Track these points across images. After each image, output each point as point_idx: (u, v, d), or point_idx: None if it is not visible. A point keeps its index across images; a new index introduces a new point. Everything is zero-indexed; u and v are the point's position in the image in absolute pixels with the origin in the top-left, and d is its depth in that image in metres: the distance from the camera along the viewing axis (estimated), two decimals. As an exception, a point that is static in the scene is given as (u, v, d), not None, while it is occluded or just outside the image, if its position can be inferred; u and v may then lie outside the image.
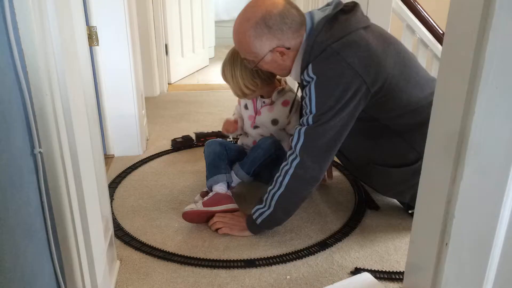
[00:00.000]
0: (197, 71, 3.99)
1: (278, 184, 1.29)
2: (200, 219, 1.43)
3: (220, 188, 1.51)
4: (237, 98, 1.69)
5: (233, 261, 1.28)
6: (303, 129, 1.23)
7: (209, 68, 4.14)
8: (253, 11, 1.24)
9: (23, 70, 0.69)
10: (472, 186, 0.79)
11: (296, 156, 1.25)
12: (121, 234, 1.41)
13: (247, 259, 1.29)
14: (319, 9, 1.35)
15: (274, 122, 1.62)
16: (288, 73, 1.35)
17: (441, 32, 1.81)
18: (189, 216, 1.42)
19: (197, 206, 1.43)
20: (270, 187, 1.32)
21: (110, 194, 1.56)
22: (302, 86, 1.30)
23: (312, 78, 1.21)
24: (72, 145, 0.82)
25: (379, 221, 1.47)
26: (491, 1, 0.68)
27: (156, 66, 3.10)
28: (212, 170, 1.56)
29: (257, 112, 1.64)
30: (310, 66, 1.22)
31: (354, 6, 1.28)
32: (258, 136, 1.66)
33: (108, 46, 1.86)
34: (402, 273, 1.15)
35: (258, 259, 1.28)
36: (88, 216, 0.90)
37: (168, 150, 2.12)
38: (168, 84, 3.44)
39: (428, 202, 0.93)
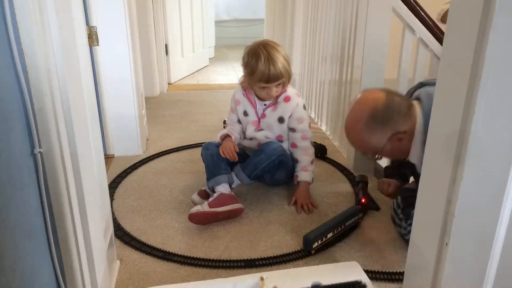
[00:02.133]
0: (197, 71, 3.99)
1: None
2: (207, 220, 1.43)
3: (223, 188, 1.51)
4: (230, 105, 1.71)
5: (233, 261, 1.28)
6: None
7: (209, 68, 4.14)
8: (360, 111, 1.28)
9: (23, 70, 0.69)
10: (472, 186, 0.79)
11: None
12: (121, 234, 1.41)
13: (247, 259, 1.29)
14: (427, 82, 1.36)
15: (281, 120, 1.62)
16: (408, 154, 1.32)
17: (441, 32, 1.82)
18: (195, 218, 1.41)
19: (203, 207, 1.42)
20: None
21: (110, 194, 1.56)
22: None
23: None
24: (72, 145, 0.82)
25: (379, 221, 1.47)
26: (491, 1, 0.68)
27: (156, 66, 3.10)
28: (213, 170, 1.56)
29: (261, 115, 1.63)
30: None
31: None
32: (263, 138, 1.65)
33: (108, 46, 1.86)
34: (402, 273, 1.15)
35: (258, 259, 1.28)
36: (88, 216, 0.90)
37: (168, 150, 2.12)
38: (168, 84, 3.44)
39: (428, 202, 0.93)
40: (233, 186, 1.58)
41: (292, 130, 1.64)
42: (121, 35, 1.87)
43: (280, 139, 1.65)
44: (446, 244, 0.85)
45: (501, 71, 0.71)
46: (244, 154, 1.69)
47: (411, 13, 1.78)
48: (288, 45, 3.03)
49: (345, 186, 1.76)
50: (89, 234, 0.90)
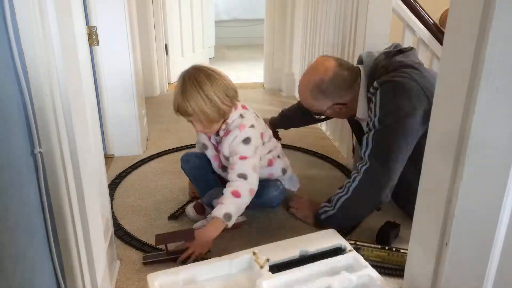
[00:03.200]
0: (197, 71, 3.98)
1: (345, 189, 1.36)
2: None
3: None
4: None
5: (233, 261, 1.27)
6: (370, 134, 1.32)
7: (209, 68, 4.14)
8: (308, 78, 1.46)
9: (23, 70, 0.69)
10: (472, 186, 0.79)
11: (366, 162, 1.32)
12: (121, 234, 1.41)
13: (247, 259, 1.29)
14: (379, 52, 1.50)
15: (226, 157, 1.42)
16: (353, 114, 1.49)
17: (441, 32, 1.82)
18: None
19: (208, 221, 1.34)
20: (339, 191, 1.38)
21: (110, 194, 1.56)
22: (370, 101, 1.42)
23: (377, 88, 1.34)
24: (72, 145, 0.82)
25: (379, 221, 1.47)
26: (491, 1, 0.68)
27: (156, 66, 3.10)
28: (202, 186, 1.48)
29: (219, 150, 1.44)
30: (374, 83, 1.36)
31: (411, 49, 1.45)
32: (234, 182, 1.37)
33: (108, 46, 1.86)
34: (403, 269, 1.15)
35: (258, 259, 1.28)
36: (88, 216, 0.90)
37: (168, 150, 2.12)
38: (168, 84, 3.43)
39: (428, 202, 0.93)
40: None
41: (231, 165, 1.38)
42: (121, 35, 1.86)
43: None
44: (446, 244, 0.85)
45: (501, 71, 0.71)
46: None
47: (411, 13, 1.78)
48: (288, 45, 3.03)
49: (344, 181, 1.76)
50: (89, 234, 0.90)
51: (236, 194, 1.30)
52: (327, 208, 1.40)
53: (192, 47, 3.82)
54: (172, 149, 2.13)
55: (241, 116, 1.39)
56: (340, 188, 1.39)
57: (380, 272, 1.21)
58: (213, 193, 1.46)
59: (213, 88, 1.29)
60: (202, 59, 4.09)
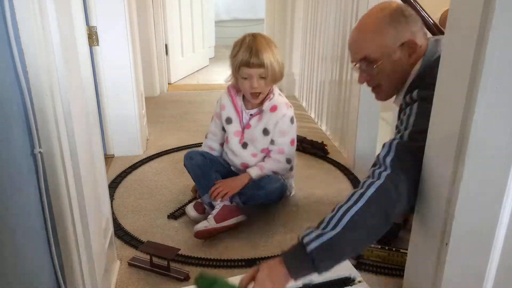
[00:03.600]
0: (197, 71, 3.99)
1: (354, 198, 0.95)
2: (212, 235, 1.37)
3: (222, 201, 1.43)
4: (211, 115, 1.56)
5: (234, 260, 1.28)
6: (395, 142, 1.02)
7: (209, 68, 4.14)
8: (385, 5, 1.14)
9: (23, 70, 0.69)
10: (472, 186, 0.79)
11: (387, 167, 0.97)
12: (121, 234, 1.41)
13: (248, 258, 1.29)
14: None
15: (265, 131, 1.48)
16: (401, 86, 1.16)
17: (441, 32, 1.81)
18: (201, 235, 1.35)
19: (210, 223, 1.36)
20: (338, 205, 0.96)
21: (110, 194, 1.56)
22: (400, 109, 1.16)
23: (416, 101, 1.06)
24: (72, 145, 0.82)
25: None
26: (491, 1, 0.68)
27: (156, 66, 3.10)
28: (204, 184, 1.47)
29: (245, 125, 1.50)
30: (416, 92, 1.07)
31: None
32: (249, 158, 1.51)
33: (108, 46, 1.86)
34: (402, 269, 1.15)
35: (258, 259, 1.28)
36: (88, 216, 0.90)
37: (168, 150, 2.12)
38: (168, 84, 3.44)
39: (428, 202, 0.93)
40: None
41: (271, 142, 1.49)
42: (121, 35, 1.86)
43: (265, 152, 1.51)
44: (446, 244, 0.85)
45: (501, 71, 0.71)
46: (227, 167, 1.56)
47: (411, 13, 1.78)
48: (288, 45, 3.03)
49: (345, 186, 1.76)
50: (89, 234, 0.90)
51: (276, 173, 1.49)
52: (318, 232, 0.94)
53: (192, 47, 3.82)
54: (172, 149, 2.13)
55: (280, 95, 1.51)
56: (339, 204, 0.97)
57: (380, 272, 1.22)
58: None
59: (276, 51, 1.43)
60: (202, 59, 4.10)
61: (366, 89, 1.76)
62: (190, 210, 1.49)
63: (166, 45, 3.27)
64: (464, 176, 0.79)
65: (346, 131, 2.01)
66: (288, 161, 1.51)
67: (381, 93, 1.22)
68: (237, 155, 1.52)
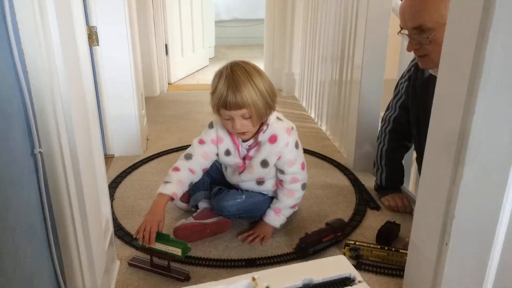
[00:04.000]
0: (197, 71, 3.99)
1: (381, 142, 1.56)
2: (193, 235, 1.35)
3: (205, 203, 1.45)
4: (211, 115, 1.41)
5: (234, 260, 1.28)
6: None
7: (209, 68, 4.14)
8: None
9: (23, 70, 0.69)
10: (472, 186, 0.79)
11: (395, 111, 1.48)
12: (121, 234, 1.41)
13: (248, 258, 1.29)
14: None
15: (264, 163, 1.34)
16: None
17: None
18: (179, 231, 1.34)
19: (188, 220, 1.38)
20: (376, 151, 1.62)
21: (110, 194, 1.56)
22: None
23: None
24: (72, 145, 0.82)
25: (380, 221, 1.47)
26: (491, 1, 0.68)
27: (156, 66, 3.10)
28: (191, 188, 1.42)
29: (245, 157, 1.38)
30: None
31: None
32: (240, 182, 1.42)
33: (108, 46, 1.86)
34: (403, 269, 1.15)
35: (258, 259, 1.28)
36: (88, 216, 0.90)
37: (168, 150, 2.12)
38: (168, 84, 3.44)
39: (428, 202, 0.93)
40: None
41: (281, 172, 1.37)
42: (121, 35, 1.86)
43: (261, 180, 1.41)
44: (446, 244, 0.85)
45: (501, 71, 0.71)
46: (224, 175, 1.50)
47: (411, 13, 1.78)
48: (288, 45, 3.03)
49: (345, 186, 1.76)
50: (89, 234, 0.90)
51: (293, 208, 1.43)
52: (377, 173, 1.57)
53: (192, 47, 3.82)
54: (172, 149, 2.13)
55: (279, 119, 1.35)
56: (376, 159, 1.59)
57: (380, 272, 1.22)
58: (199, 197, 1.47)
59: (262, 81, 1.25)
60: (202, 59, 4.10)
61: (366, 89, 1.77)
62: (178, 202, 1.50)
63: (166, 45, 3.28)
64: (464, 176, 0.79)
65: (346, 131, 2.02)
66: (304, 186, 1.40)
67: (429, 62, 1.21)
68: (231, 177, 1.45)
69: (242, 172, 1.40)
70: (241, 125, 1.26)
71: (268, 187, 1.42)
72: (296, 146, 1.36)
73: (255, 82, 1.23)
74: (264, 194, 1.43)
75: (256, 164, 1.35)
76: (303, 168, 1.38)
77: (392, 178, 1.61)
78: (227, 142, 1.38)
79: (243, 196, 1.39)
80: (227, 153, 1.39)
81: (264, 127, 1.32)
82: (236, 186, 1.46)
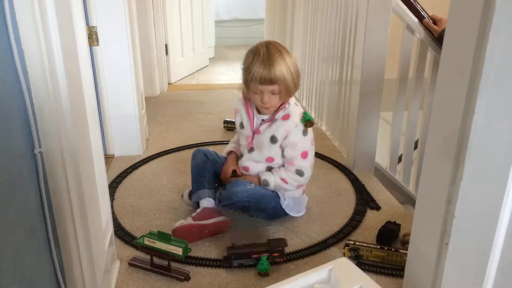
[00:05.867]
0: (197, 71, 3.99)
1: None
2: (192, 235, 1.35)
3: (207, 202, 1.45)
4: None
5: (233, 261, 1.28)
6: None
7: (209, 68, 4.14)
8: None
9: (23, 70, 0.69)
10: (472, 186, 0.79)
11: None
12: (121, 234, 1.41)
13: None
14: None
15: (273, 139, 1.39)
16: None
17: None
18: (177, 231, 1.35)
19: (187, 221, 1.39)
20: None
21: (110, 194, 1.56)
22: None
23: None
24: (72, 145, 0.82)
25: (380, 221, 1.47)
26: (491, 1, 0.68)
27: (156, 66, 3.10)
28: (195, 185, 1.50)
29: (255, 131, 1.44)
30: None
31: None
32: (250, 162, 1.46)
33: (108, 46, 1.86)
34: (403, 269, 1.15)
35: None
36: (88, 216, 0.90)
37: (168, 150, 2.12)
38: (168, 84, 3.43)
39: (428, 202, 0.93)
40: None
41: (282, 153, 1.42)
42: (121, 35, 1.86)
43: (270, 161, 1.44)
44: (446, 244, 0.86)
45: (501, 71, 0.71)
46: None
47: (411, 13, 1.78)
48: (288, 45, 3.03)
49: (345, 186, 1.76)
50: (89, 234, 0.90)
51: (284, 181, 1.41)
52: None
53: (192, 47, 3.82)
54: (172, 149, 2.13)
55: (296, 104, 1.42)
56: None
57: (380, 272, 1.22)
58: (201, 195, 1.47)
59: (292, 61, 1.34)
60: (202, 59, 4.10)
61: (366, 89, 1.77)
62: (186, 194, 1.59)
63: (166, 45, 3.27)
64: (464, 176, 0.79)
65: (346, 131, 2.02)
66: (299, 172, 1.39)
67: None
68: (243, 158, 1.50)
69: (251, 150, 1.45)
70: (269, 99, 1.34)
71: None
72: (304, 133, 1.39)
73: (286, 61, 1.32)
74: (272, 190, 1.44)
75: (266, 139, 1.41)
76: (303, 156, 1.40)
77: None
78: (242, 114, 1.47)
79: (253, 185, 1.41)
80: (241, 125, 1.48)
81: (286, 105, 1.39)
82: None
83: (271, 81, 1.30)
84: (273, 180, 1.41)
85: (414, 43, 1.86)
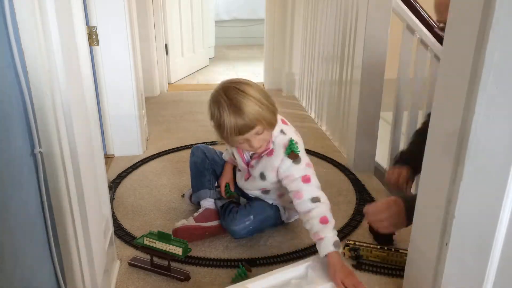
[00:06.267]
0: (197, 71, 3.99)
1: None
2: (192, 236, 1.35)
3: (208, 203, 1.45)
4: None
5: (234, 260, 1.28)
6: None
7: (209, 68, 4.14)
8: None
9: (23, 70, 0.69)
10: (472, 186, 0.79)
11: None
12: (121, 234, 1.41)
13: (248, 258, 1.29)
14: None
15: (262, 176, 1.30)
16: None
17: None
18: (178, 232, 1.35)
19: (189, 221, 1.38)
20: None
21: (110, 194, 1.56)
22: None
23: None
24: (72, 145, 0.82)
25: (379, 221, 1.47)
26: (491, 1, 0.68)
27: (156, 66, 3.09)
28: (195, 183, 1.48)
29: (248, 164, 1.36)
30: None
31: None
32: (246, 187, 1.42)
33: (108, 46, 1.86)
34: (403, 269, 1.15)
35: (258, 259, 1.28)
36: (88, 216, 0.90)
37: (168, 150, 2.12)
38: (168, 84, 3.43)
39: (428, 202, 0.93)
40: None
41: (286, 190, 1.28)
42: (121, 35, 1.86)
43: (264, 190, 1.38)
44: (446, 244, 0.86)
45: (501, 71, 0.71)
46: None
47: (411, 13, 1.78)
48: (288, 45, 3.03)
49: (345, 186, 1.76)
50: (89, 234, 0.90)
51: (325, 220, 1.16)
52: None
53: (192, 47, 3.82)
54: (172, 149, 2.13)
55: (282, 132, 1.27)
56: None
57: (380, 272, 1.22)
58: (202, 195, 1.47)
59: (255, 90, 1.18)
60: (202, 59, 4.10)
61: (366, 89, 1.77)
62: (187, 194, 1.58)
63: (166, 45, 3.27)
64: (464, 176, 0.79)
65: (346, 131, 2.01)
66: (314, 200, 1.20)
67: None
68: (240, 183, 1.46)
69: (247, 180, 1.39)
70: (258, 141, 1.20)
71: (273, 196, 1.40)
72: (296, 162, 1.24)
73: (252, 96, 1.16)
74: (270, 204, 1.40)
75: (257, 175, 1.32)
76: (306, 181, 1.23)
77: (408, 156, 1.45)
78: (232, 150, 1.38)
79: (251, 217, 1.34)
80: (235, 157, 1.41)
81: (272, 139, 1.26)
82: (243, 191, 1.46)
83: (249, 127, 1.16)
84: (330, 235, 1.14)
85: (414, 43, 1.86)
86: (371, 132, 1.85)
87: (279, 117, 1.26)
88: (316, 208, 1.18)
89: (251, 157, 1.34)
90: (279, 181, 1.28)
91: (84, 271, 0.88)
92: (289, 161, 1.23)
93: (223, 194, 1.47)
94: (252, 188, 1.40)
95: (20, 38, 0.68)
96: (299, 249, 1.33)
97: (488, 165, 0.78)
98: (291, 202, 1.26)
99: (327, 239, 1.13)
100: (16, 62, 0.67)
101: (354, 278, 1.10)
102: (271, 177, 1.28)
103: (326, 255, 1.12)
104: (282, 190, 1.35)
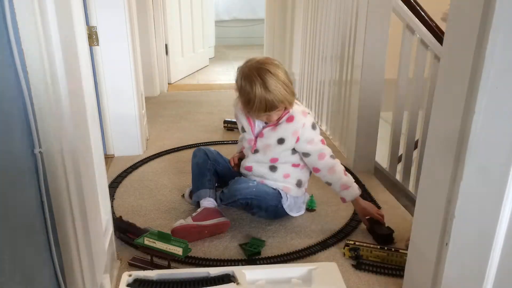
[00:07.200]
0: (197, 71, 3.99)
1: None
2: (191, 236, 1.35)
3: (207, 202, 1.45)
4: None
5: (233, 260, 1.28)
6: None
7: (209, 68, 4.14)
8: None
9: (23, 70, 0.69)
10: (472, 186, 0.79)
11: None
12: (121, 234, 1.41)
13: (248, 258, 1.29)
14: None
15: (280, 141, 1.41)
16: None
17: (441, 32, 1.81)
18: (176, 231, 1.35)
19: (187, 221, 1.39)
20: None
21: (110, 194, 1.56)
22: None
23: None
24: (72, 145, 0.82)
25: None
26: (491, 1, 0.68)
27: (156, 66, 3.10)
28: (196, 183, 1.51)
29: (258, 134, 1.45)
30: None
31: None
32: (253, 163, 1.47)
33: (108, 46, 1.86)
34: (403, 269, 1.15)
35: (258, 259, 1.28)
36: (88, 216, 0.90)
37: (168, 150, 2.12)
38: (168, 84, 3.44)
39: (428, 202, 0.93)
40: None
41: (305, 155, 1.43)
42: (121, 35, 1.86)
43: (274, 162, 1.44)
44: (446, 244, 0.86)
45: (501, 71, 0.71)
46: (232, 173, 1.55)
47: (411, 13, 1.78)
48: (288, 45, 3.03)
49: (345, 186, 1.76)
50: (89, 234, 0.90)
51: (345, 173, 1.44)
52: None
53: (192, 47, 3.82)
54: (172, 149, 2.13)
55: (296, 103, 1.43)
56: None
57: (380, 272, 1.22)
58: (202, 195, 1.47)
59: (282, 72, 1.35)
60: (202, 59, 4.10)
61: (366, 89, 1.77)
62: (187, 192, 1.61)
63: (166, 45, 3.28)
64: (464, 176, 0.79)
65: (346, 131, 2.02)
66: (333, 156, 1.44)
67: None
68: (247, 159, 1.50)
69: (255, 152, 1.45)
70: (276, 115, 1.38)
71: (280, 174, 1.45)
72: (313, 127, 1.43)
73: (280, 78, 1.32)
74: (274, 189, 1.44)
75: (273, 141, 1.42)
76: (323, 143, 1.45)
77: None
78: (242, 120, 1.48)
79: (255, 182, 1.43)
80: (243, 129, 1.49)
81: (289, 110, 1.40)
82: (247, 175, 1.50)
83: (275, 107, 1.33)
84: (353, 188, 1.43)
85: (414, 43, 1.86)
86: (371, 132, 1.85)
87: None
88: (337, 164, 1.43)
89: (263, 127, 1.44)
90: (293, 149, 1.43)
91: (84, 271, 0.88)
92: (309, 127, 1.41)
93: (234, 165, 1.53)
94: (262, 159, 1.44)
95: (20, 38, 0.68)
96: (299, 249, 1.33)
97: (488, 165, 0.78)
98: (297, 182, 1.46)
99: (353, 188, 1.42)
100: (16, 62, 0.66)
101: (378, 210, 1.47)
102: (290, 140, 1.40)
103: (352, 201, 1.43)
104: (292, 161, 1.45)
